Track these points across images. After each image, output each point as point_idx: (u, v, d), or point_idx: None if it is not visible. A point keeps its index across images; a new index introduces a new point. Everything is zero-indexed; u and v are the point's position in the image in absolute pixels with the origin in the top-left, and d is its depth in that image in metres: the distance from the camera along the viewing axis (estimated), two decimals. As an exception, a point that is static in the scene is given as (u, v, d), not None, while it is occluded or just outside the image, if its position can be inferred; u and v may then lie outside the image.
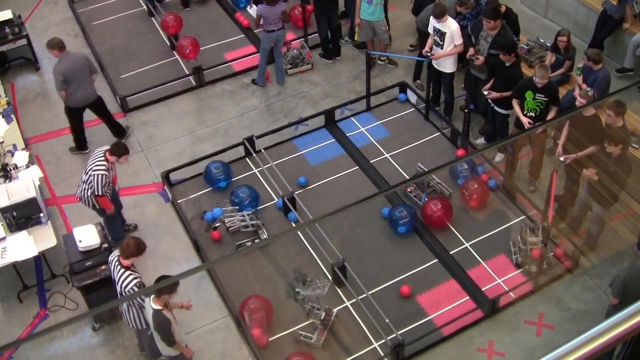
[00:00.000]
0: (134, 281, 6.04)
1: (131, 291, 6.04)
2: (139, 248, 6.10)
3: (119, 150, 7.14)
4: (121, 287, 6.09)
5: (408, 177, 8.61)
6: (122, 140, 8.98)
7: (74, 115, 8.84)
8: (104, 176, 7.05)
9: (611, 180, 7.03)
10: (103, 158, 7.10)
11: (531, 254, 7.46)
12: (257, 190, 8.33)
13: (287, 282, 7.09)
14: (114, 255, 6.23)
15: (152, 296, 5.78)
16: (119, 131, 9.30)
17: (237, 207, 8.07)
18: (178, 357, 6.16)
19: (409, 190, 8.29)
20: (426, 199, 8.09)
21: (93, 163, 7.12)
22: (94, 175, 7.06)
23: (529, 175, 8.38)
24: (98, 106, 8.94)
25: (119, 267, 6.13)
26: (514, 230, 7.88)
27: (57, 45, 8.31)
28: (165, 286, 5.62)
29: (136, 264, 6.32)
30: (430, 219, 7.92)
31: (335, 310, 7.16)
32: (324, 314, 6.98)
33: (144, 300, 6.16)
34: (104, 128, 9.25)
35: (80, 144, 9.18)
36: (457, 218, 8.05)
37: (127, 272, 6.09)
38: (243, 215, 7.96)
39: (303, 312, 7.07)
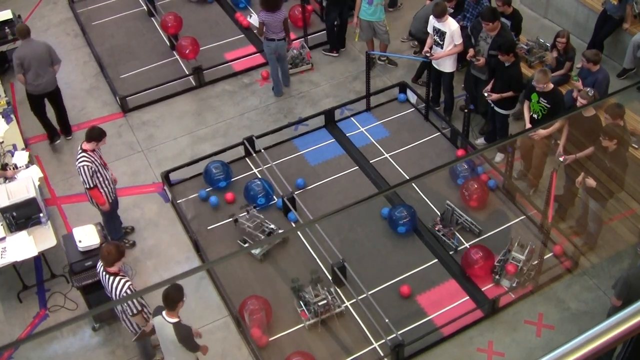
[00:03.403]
0: (127, 284, 6.02)
1: (124, 295, 6.02)
2: (120, 251, 6.07)
3: (94, 135, 7.11)
4: (115, 294, 6.03)
5: (408, 177, 8.61)
6: (68, 138, 9.51)
7: (33, 103, 9.03)
8: (87, 167, 7.06)
9: (607, 176, 7.03)
10: (81, 151, 7.13)
11: (506, 268, 7.40)
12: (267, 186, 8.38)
13: (295, 279, 7.27)
14: (100, 265, 6.18)
15: (164, 312, 5.72)
16: (67, 130, 9.52)
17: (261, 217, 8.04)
18: None
19: (437, 228, 7.83)
20: (456, 244, 7.66)
21: (76, 161, 7.17)
22: (79, 169, 7.11)
23: (528, 181, 8.38)
24: (55, 98, 9.13)
25: (107, 275, 6.09)
26: (509, 238, 7.82)
27: (20, 33, 8.67)
28: (175, 295, 5.60)
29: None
30: (472, 271, 7.42)
31: (341, 307, 7.16)
32: (324, 302, 7.05)
33: (145, 306, 6.14)
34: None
35: (52, 134, 9.38)
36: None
37: (117, 278, 6.04)
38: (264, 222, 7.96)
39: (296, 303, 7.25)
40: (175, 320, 5.70)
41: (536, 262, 7.37)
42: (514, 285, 7.33)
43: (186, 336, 5.74)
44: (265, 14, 9.26)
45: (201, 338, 6.21)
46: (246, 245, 7.82)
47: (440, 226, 7.88)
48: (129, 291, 6.02)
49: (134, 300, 6.05)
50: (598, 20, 9.75)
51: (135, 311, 6.09)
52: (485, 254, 7.40)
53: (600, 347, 2.03)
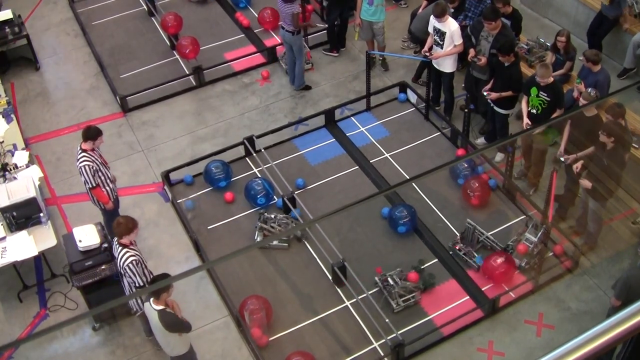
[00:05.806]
0: (130, 258, 6.17)
1: (127, 267, 6.17)
2: (128, 226, 6.23)
3: (90, 135, 7.16)
4: (119, 264, 6.26)
5: (408, 177, 8.61)
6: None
7: None
8: (89, 166, 7.10)
9: (605, 175, 7.04)
10: (81, 151, 7.17)
11: (517, 247, 7.48)
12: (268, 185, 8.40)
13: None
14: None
15: (152, 299, 5.81)
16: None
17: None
18: (186, 356, 6.19)
19: (457, 247, 7.62)
20: (481, 261, 7.43)
21: (77, 161, 7.20)
22: (80, 169, 7.15)
23: (529, 180, 8.38)
24: None
25: (118, 246, 6.30)
26: (520, 224, 7.90)
27: None
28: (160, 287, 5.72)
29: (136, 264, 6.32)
30: (492, 275, 7.35)
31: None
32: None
33: (143, 302, 6.17)
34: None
35: None
36: (457, 217, 8.05)
37: (125, 250, 6.23)
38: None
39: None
40: (160, 307, 5.80)
41: (544, 246, 7.45)
42: (524, 265, 7.40)
43: (171, 323, 5.84)
44: (280, 1, 9.49)
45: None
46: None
47: (461, 245, 7.65)
48: (131, 265, 6.17)
49: (138, 274, 6.20)
50: (593, 21, 9.75)
51: (142, 283, 6.26)
52: (507, 259, 7.35)
53: (600, 347, 2.03)
